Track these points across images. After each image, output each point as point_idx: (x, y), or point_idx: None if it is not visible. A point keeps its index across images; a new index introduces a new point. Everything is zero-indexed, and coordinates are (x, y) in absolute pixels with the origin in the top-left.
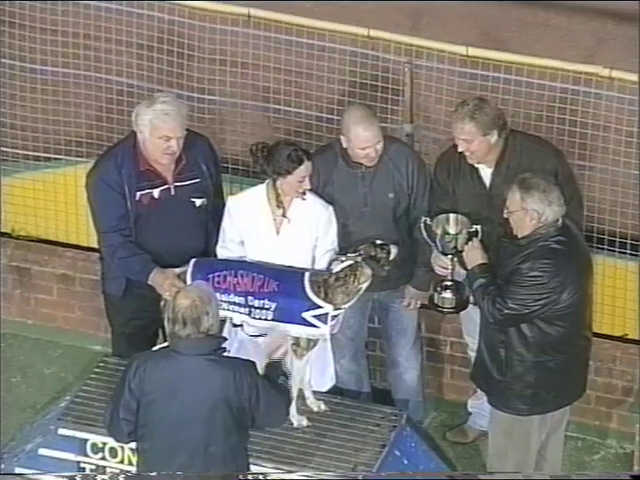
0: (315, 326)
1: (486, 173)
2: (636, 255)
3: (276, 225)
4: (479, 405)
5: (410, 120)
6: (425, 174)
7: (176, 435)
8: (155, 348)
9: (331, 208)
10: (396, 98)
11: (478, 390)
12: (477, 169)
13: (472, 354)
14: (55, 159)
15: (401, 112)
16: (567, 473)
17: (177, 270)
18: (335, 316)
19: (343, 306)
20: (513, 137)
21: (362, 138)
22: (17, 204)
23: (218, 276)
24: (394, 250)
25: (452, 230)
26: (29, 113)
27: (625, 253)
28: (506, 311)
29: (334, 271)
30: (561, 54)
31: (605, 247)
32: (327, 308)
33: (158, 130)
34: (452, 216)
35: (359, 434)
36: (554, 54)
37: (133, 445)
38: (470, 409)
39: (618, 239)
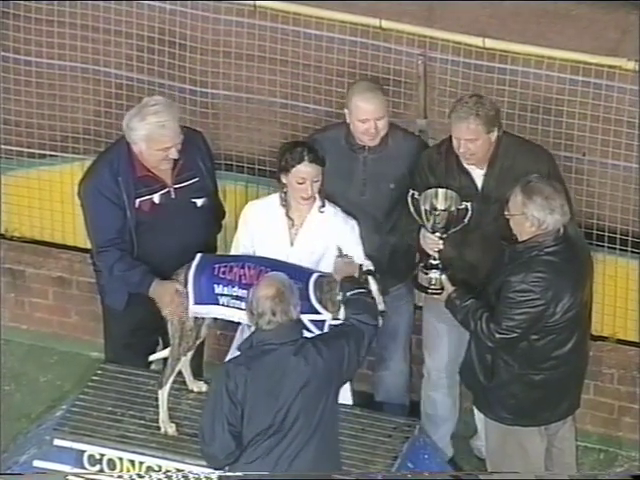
0: (310, 331)
1: (477, 175)
2: (638, 253)
3: (290, 236)
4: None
5: (424, 115)
6: None
7: (285, 430)
8: (156, 355)
9: (353, 222)
10: (409, 92)
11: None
12: (468, 171)
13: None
14: (51, 156)
15: (414, 107)
16: (566, 473)
17: (178, 286)
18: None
19: (339, 316)
20: (506, 138)
21: (361, 109)
22: (11, 203)
23: (225, 266)
24: (373, 285)
25: (440, 206)
26: (23, 107)
27: (626, 251)
28: (498, 336)
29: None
30: (583, 46)
31: (605, 244)
32: (325, 315)
33: (156, 143)
34: (441, 191)
35: (370, 445)
36: (576, 46)
37: (134, 457)
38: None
39: (619, 236)
